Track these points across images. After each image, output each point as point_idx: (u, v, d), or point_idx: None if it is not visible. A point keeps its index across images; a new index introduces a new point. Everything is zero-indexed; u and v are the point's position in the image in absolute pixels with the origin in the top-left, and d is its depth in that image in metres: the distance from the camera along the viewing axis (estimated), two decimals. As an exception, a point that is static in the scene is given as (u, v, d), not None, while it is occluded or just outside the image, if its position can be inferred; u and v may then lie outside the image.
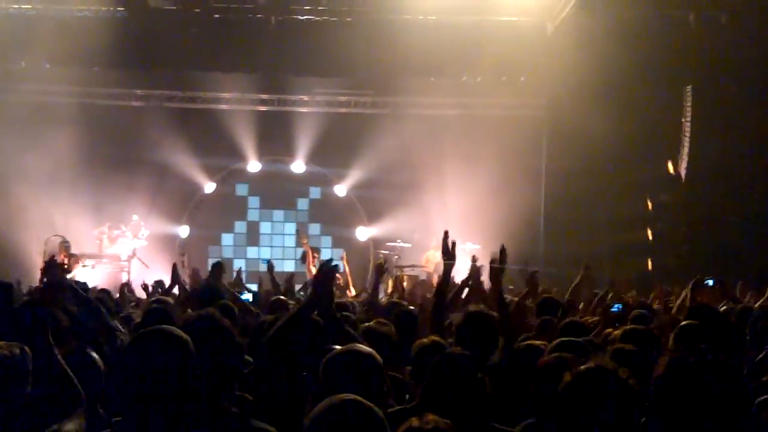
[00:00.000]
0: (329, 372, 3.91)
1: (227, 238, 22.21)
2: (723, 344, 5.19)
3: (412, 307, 8.34)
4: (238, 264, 19.72)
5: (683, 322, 5.35)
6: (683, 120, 18.83)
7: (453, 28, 18.77)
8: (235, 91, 21.02)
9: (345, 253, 18.39)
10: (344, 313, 7.12)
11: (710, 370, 2.47)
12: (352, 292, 15.00)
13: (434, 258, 19.47)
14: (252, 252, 22.15)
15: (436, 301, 6.36)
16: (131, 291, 12.43)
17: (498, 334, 5.37)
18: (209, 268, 10.28)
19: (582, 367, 3.06)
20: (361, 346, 4.15)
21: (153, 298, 9.03)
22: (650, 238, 19.43)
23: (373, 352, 4.03)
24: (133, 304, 10.72)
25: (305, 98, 21.24)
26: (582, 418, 2.96)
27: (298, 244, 19.81)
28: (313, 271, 15.30)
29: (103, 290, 10.44)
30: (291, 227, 22.02)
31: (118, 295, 10.83)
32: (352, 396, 2.89)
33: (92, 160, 19.87)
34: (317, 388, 3.87)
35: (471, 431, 3.80)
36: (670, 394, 2.47)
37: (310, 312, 4.85)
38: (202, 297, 7.33)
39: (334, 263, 4.91)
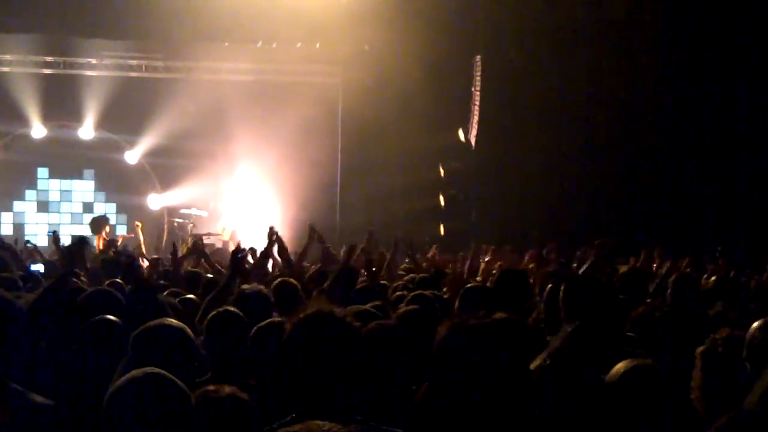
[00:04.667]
0: (137, 346, 3.84)
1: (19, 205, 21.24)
2: (522, 308, 5.40)
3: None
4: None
5: (468, 285, 5.52)
6: (473, 89, 19.43)
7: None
8: (17, 53, 19.87)
9: (141, 223, 17.85)
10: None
11: (491, 332, 2.48)
12: (144, 262, 14.61)
13: (230, 226, 19.34)
14: (42, 218, 21.25)
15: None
16: None
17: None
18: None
19: (300, 315, 3.05)
20: (170, 320, 4.07)
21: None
22: (442, 204, 20.01)
23: (184, 326, 3.97)
24: None
25: (93, 61, 20.37)
26: (306, 364, 2.95)
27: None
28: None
29: None
30: (80, 194, 21.35)
31: None
32: (153, 369, 2.81)
33: None
34: (126, 362, 3.79)
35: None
36: (449, 358, 2.48)
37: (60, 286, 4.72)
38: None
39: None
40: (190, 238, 17.73)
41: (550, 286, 4.96)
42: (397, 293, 6.81)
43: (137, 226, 17.35)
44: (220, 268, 9.57)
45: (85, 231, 18.61)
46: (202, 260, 10.38)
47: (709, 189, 17.70)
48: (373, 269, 6.88)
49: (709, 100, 17.70)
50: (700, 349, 3.96)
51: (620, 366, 3.42)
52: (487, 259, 10.39)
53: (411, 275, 8.59)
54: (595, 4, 17.91)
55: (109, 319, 4.67)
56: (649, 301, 6.76)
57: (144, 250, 16.08)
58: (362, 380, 3.01)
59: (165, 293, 6.36)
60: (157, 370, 2.81)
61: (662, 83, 17.89)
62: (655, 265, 10.08)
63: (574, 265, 9.25)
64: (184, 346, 3.87)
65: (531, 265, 9.72)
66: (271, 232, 8.06)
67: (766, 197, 16.68)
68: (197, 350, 4.09)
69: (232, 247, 16.19)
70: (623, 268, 7.91)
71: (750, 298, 7.18)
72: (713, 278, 8.35)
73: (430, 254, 11.94)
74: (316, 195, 19.80)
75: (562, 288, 4.16)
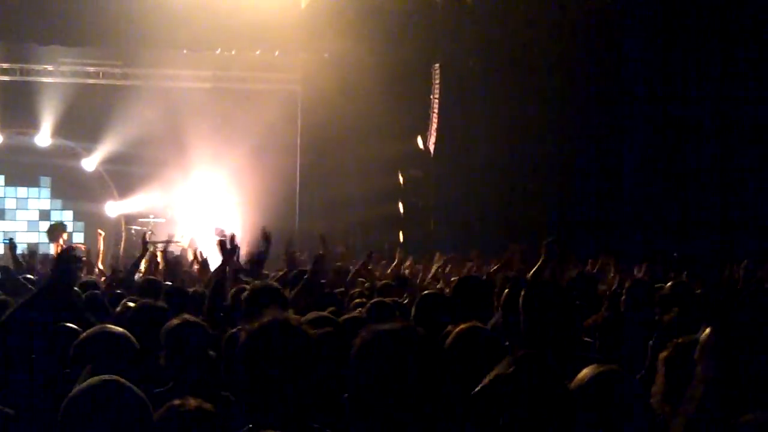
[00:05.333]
0: (80, 354, 3.80)
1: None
2: (481, 314, 5.41)
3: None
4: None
5: (424, 293, 5.54)
6: (432, 97, 19.51)
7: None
8: (-28, 60, 19.69)
9: (103, 233, 17.65)
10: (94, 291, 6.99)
11: (398, 340, 2.47)
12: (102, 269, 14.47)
13: (188, 233, 19.22)
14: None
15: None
16: None
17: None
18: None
19: (255, 323, 2.97)
20: (112, 326, 4.02)
21: None
22: (401, 211, 20.06)
23: (126, 332, 3.93)
24: None
25: (50, 68, 20.18)
26: (262, 373, 2.89)
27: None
28: None
29: None
30: (37, 201, 21.13)
31: None
32: (112, 377, 2.79)
33: None
34: (71, 370, 3.75)
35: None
36: (361, 365, 2.47)
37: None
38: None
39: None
40: (150, 245, 17.53)
41: (507, 291, 4.97)
42: (356, 300, 6.82)
43: (100, 234, 17.17)
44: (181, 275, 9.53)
45: (42, 239, 18.40)
46: (159, 267, 10.32)
47: (670, 195, 17.92)
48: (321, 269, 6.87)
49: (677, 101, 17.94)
50: (663, 354, 3.99)
51: (586, 372, 3.37)
52: (438, 266, 10.46)
53: (369, 282, 8.61)
54: (552, 11, 18.05)
55: (66, 326, 4.61)
56: (604, 307, 6.83)
57: (102, 259, 15.91)
58: (318, 388, 2.99)
59: (122, 302, 6.30)
60: (112, 377, 2.80)
61: (624, 90, 18.06)
62: (611, 274, 10.16)
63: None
64: (126, 352, 3.84)
65: (493, 269, 9.76)
66: (232, 239, 7.98)
67: (723, 203, 16.92)
68: (139, 354, 4.04)
69: (190, 255, 16.22)
70: (572, 272, 7.97)
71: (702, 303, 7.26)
72: (669, 284, 8.43)
73: (406, 264, 11.94)
74: (275, 201, 19.76)
75: (522, 293, 4.14)
